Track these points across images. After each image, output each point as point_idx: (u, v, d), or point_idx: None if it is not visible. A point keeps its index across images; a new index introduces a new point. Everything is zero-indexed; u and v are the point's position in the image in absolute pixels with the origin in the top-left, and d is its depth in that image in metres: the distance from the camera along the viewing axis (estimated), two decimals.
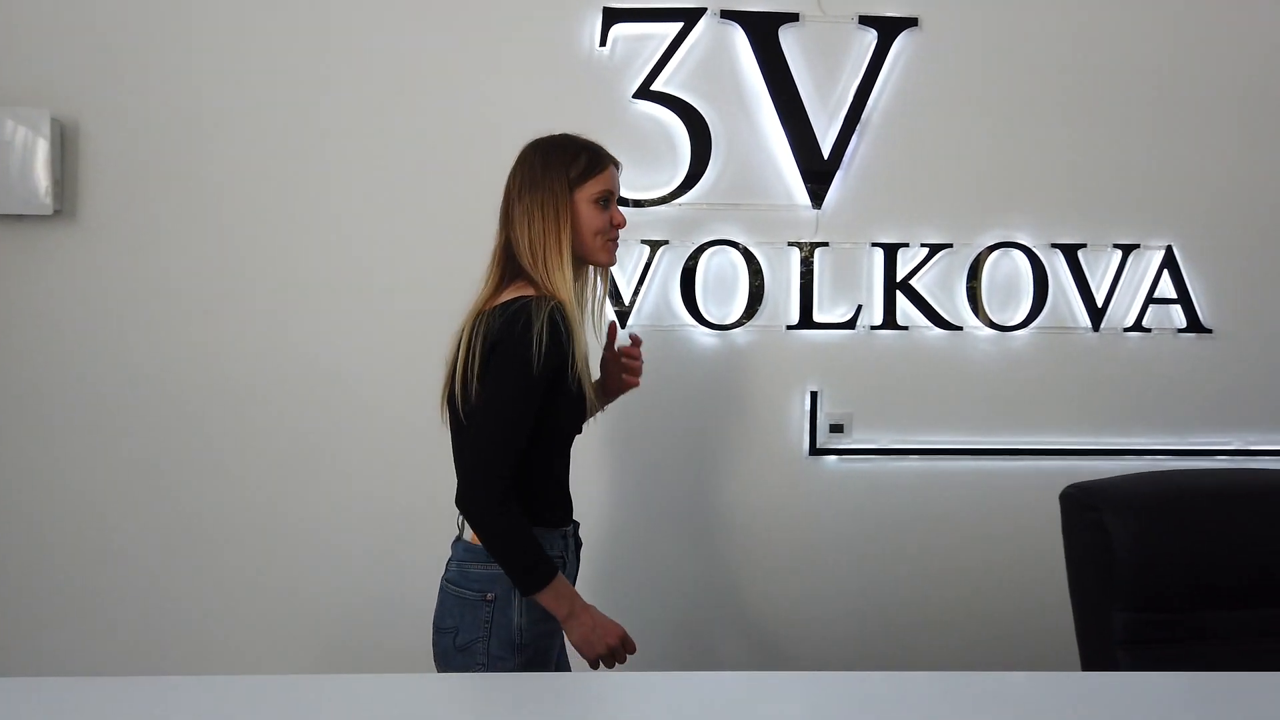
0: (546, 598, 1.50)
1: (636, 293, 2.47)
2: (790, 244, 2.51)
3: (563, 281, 1.56)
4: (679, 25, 2.47)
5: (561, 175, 1.59)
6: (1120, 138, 2.54)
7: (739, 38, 2.50)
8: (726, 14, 2.48)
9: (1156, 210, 2.55)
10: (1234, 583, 1.48)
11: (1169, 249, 2.53)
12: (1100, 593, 1.47)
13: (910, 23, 2.51)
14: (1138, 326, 2.54)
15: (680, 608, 2.52)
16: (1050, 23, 2.53)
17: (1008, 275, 2.54)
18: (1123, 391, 2.55)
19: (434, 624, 1.62)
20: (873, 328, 2.52)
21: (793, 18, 2.49)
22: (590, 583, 2.46)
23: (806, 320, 2.51)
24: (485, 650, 1.53)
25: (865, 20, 2.50)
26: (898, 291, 2.51)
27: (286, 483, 2.45)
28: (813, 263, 2.50)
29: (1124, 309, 2.54)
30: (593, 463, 2.49)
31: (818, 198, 2.50)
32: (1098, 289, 2.53)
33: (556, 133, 1.66)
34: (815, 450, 2.51)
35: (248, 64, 2.41)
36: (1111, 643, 1.43)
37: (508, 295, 1.56)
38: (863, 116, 2.51)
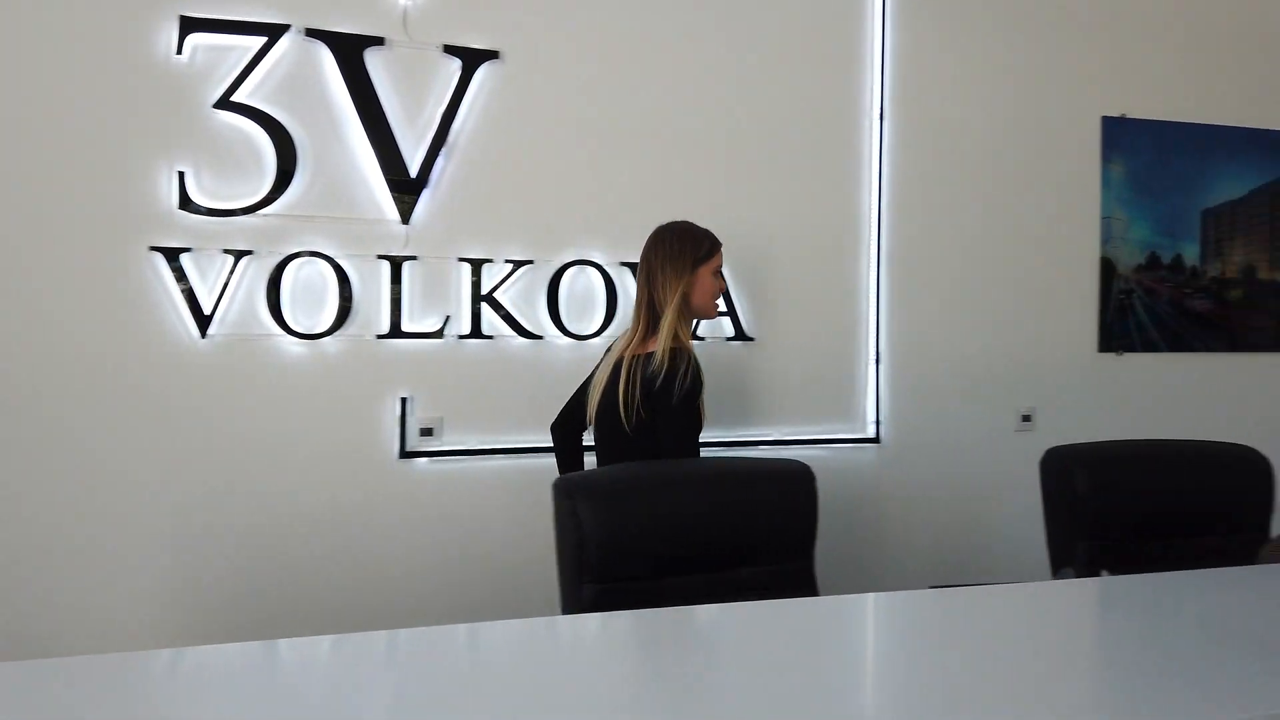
0: None
1: (218, 303, 2.48)
2: (380, 257, 2.62)
3: (685, 332, 2.18)
4: (262, 39, 2.51)
5: (690, 255, 2.20)
6: (678, 169, 2.89)
7: (325, 56, 2.57)
8: (311, 32, 2.55)
9: None
10: (685, 554, 1.77)
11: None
12: (574, 570, 1.71)
13: (492, 55, 2.71)
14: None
15: (281, 608, 2.56)
16: (619, 62, 2.83)
17: (585, 288, 2.81)
18: None
19: None
20: (461, 337, 2.69)
21: (378, 41, 2.61)
22: (189, 583, 2.45)
23: (396, 330, 2.63)
24: None
25: (450, 49, 2.67)
26: (484, 303, 2.71)
27: None
28: (402, 275, 2.63)
29: None
30: (190, 466, 2.48)
31: (406, 214, 2.64)
32: None
33: (679, 220, 2.26)
34: (405, 453, 2.64)
35: None
36: (584, 612, 1.67)
37: (651, 345, 2.16)
38: (449, 139, 2.67)
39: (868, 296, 3.09)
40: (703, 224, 2.90)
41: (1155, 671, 0.98)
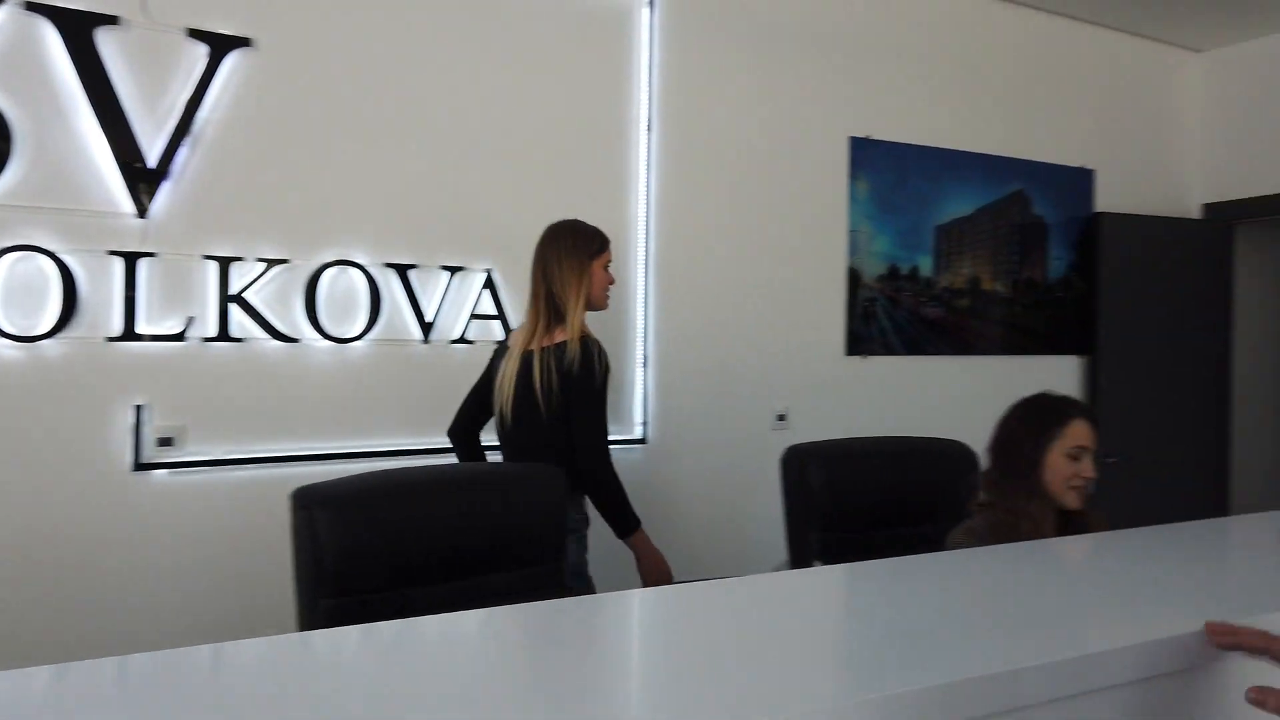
0: (642, 533, 2.35)
1: None
2: (112, 253, 2.43)
3: (582, 322, 2.30)
4: None
5: (586, 250, 2.34)
6: (445, 170, 2.86)
7: (49, 32, 2.36)
8: (32, 6, 2.33)
9: (479, 238, 2.91)
10: (431, 562, 1.76)
11: (489, 272, 2.92)
12: (311, 584, 1.65)
13: (243, 42, 2.57)
14: (463, 339, 2.88)
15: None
16: (382, 57, 2.76)
17: (345, 291, 2.72)
18: (451, 395, 2.85)
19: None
20: (206, 339, 2.53)
21: (112, 20, 2.41)
22: None
23: (131, 332, 2.44)
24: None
25: (196, 34, 2.51)
26: (233, 304, 2.56)
27: None
28: (138, 273, 2.45)
29: (451, 323, 2.87)
30: None
31: (143, 207, 2.46)
32: (428, 305, 2.83)
33: (570, 218, 2.40)
34: (140, 465, 2.46)
35: None
36: (315, 628, 1.62)
37: (559, 336, 2.29)
38: (194, 128, 2.51)
39: (637, 301, 3.17)
40: (472, 227, 2.92)
41: (807, 653, 1.08)
